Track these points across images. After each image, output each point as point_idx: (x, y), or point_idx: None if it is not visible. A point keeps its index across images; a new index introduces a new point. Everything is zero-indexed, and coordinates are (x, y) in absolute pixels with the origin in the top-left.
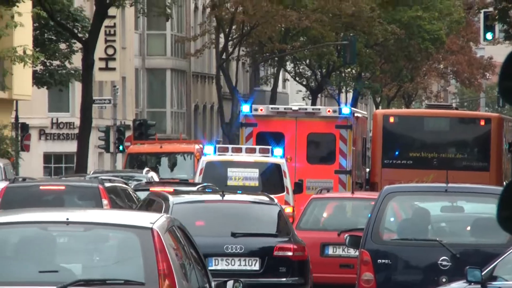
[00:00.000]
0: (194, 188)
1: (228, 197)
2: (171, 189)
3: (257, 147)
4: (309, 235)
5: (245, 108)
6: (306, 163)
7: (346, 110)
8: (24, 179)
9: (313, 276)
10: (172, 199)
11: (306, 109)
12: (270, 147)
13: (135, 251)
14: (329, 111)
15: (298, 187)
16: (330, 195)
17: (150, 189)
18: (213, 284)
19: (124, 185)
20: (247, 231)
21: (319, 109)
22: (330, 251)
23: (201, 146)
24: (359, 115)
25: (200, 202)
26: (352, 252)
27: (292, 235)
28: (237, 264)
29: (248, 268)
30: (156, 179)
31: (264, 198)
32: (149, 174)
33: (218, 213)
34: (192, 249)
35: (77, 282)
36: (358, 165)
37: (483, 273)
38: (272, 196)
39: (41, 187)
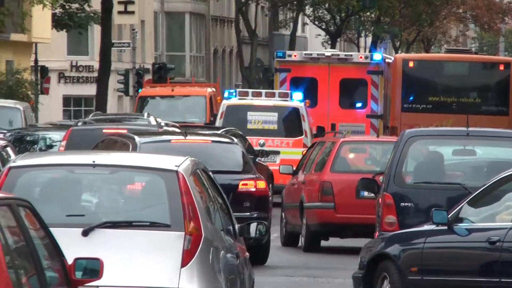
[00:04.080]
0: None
1: (191, 137)
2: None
3: (276, 91)
4: (344, 177)
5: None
6: (338, 107)
7: (377, 56)
8: (85, 122)
9: (346, 217)
10: (138, 138)
11: (338, 55)
12: (289, 91)
13: (161, 194)
14: (361, 57)
15: (321, 131)
16: (358, 138)
17: (104, 131)
18: (236, 226)
19: (177, 129)
20: (212, 168)
21: (351, 55)
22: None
23: (213, 89)
24: (390, 61)
25: (166, 141)
26: None
27: (254, 172)
28: None
29: None
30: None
31: (225, 138)
32: (150, 118)
33: (183, 152)
34: (216, 192)
35: (104, 224)
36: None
37: (449, 215)
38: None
39: (104, 130)
